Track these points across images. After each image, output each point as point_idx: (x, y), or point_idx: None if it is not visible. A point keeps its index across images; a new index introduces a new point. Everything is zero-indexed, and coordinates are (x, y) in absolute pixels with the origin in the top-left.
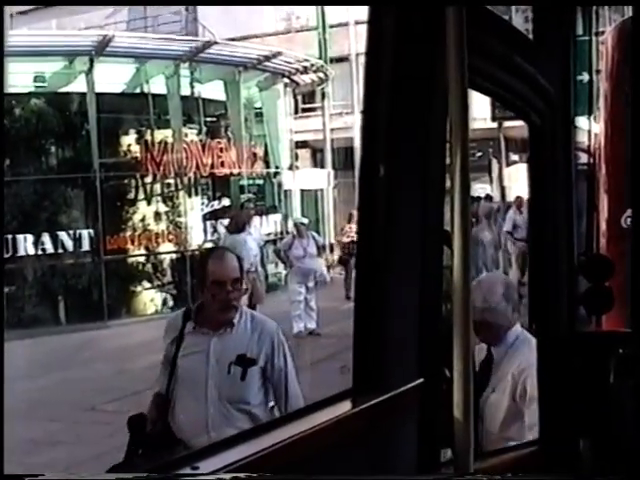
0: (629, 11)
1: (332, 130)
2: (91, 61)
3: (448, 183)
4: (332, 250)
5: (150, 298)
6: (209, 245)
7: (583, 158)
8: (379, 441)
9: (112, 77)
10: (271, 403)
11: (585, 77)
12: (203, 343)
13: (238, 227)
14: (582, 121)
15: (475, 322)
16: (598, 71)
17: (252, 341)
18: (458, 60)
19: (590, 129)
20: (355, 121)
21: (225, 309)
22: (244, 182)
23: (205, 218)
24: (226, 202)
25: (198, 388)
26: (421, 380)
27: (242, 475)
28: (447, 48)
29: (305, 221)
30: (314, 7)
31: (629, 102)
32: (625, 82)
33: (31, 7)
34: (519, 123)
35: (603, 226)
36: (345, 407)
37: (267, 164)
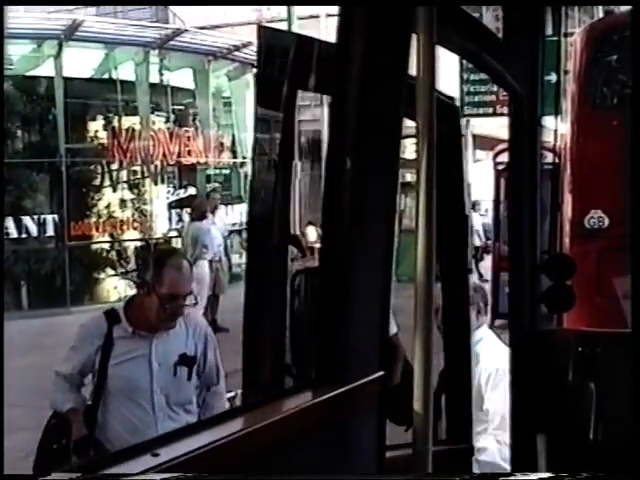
0: (599, 13)
1: (300, 122)
2: (60, 45)
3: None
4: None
5: (113, 285)
6: (173, 237)
7: (549, 157)
8: (338, 432)
9: (81, 62)
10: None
11: (553, 77)
12: (142, 347)
13: (201, 214)
14: (549, 121)
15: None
16: (566, 72)
17: (189, 339)
18: (427, 57)
19: (557, 129)
20: (323, 113)
21: (171, 320)
22: (211, 171)
23: (170, 206)
24: (192, 191)
25: (142, 395)
26: (381, 373)
27: (201, 462)
28: (417, 44)
29: None
30: None
31: (596, 104)
32: (592, 83)
33: None
34: (486, 120)
35: (567, 226)
36: (305, 398)
37: (234, 154)
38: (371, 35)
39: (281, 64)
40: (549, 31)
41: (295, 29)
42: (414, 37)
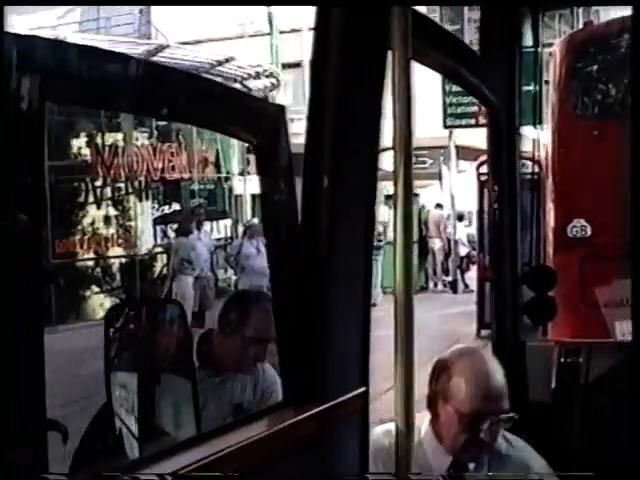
0: (578, 24)
1: None
2: None
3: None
4: None
5: (99, 303)
6: (158, 253)
7: (530, 168)
8: (320, 450)
9: None
10: None
11: (533, 88)
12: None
13: (186, 229)
14: (529, 131)
15: None
16: (547, 82)
17: (249, 389)
18: (403, 73)
19: (538, 139)
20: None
21: (253, 364)
22: (195, 187)
23: (155, 222)
24: (176, 206)
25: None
26: (363, 389)
27: None
28: (392, 60)
29: (256, 221)
30: (266, 13)
31: (577, 114)
32: (572, 93)
33: None
34: (469, 131)
35: (549, 236)
36: (287, 416)
37: (218, 169)
38: (346, 51)
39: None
40: (529, 42)
41: (277, 43)
42: (390, 53)
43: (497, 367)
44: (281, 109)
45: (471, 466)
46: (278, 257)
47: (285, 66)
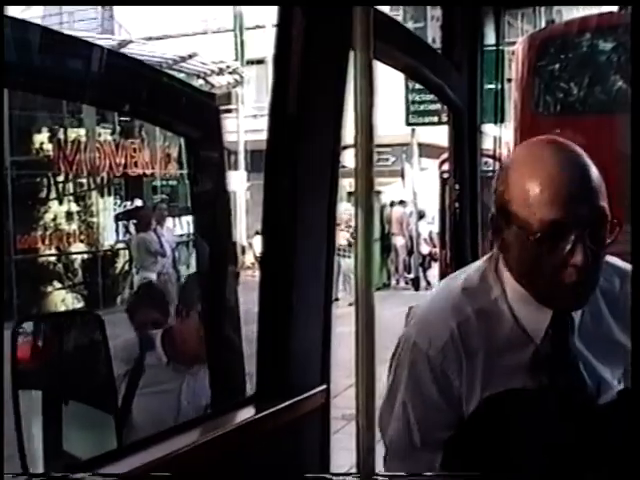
0: (541, 22)
1: (246, 132)
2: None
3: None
4: (244, 252)
5: (61, 298)
6: (120, 249)
7: (493, 165)
8: (282, 446)
9: None
10: None
11: (496, 86)
12: (175, 380)
13: (146, 225)
14: (492, 129)
15: None
16: (509, 80)
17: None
18: (365, 67)
19: (500, 137)
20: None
21: None
22: (157, 183)
23: (117, 218)
24: (139, 202)
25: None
26: (324, 386)
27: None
28: (354, 60)
29: None
30: (231, 9)
31: (539, 111)
32: (534, 91)
33: None
34: (432, 129)
35: None
36: (249, 413)
37: (181, 165)
38: (308, 49)
39: None
40: (491, 41)
41: (241, 39)
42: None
43: (582, 156)
44: (212, 97)
45: (577, 318)
46: (208, 251)
47: (248, 62)
